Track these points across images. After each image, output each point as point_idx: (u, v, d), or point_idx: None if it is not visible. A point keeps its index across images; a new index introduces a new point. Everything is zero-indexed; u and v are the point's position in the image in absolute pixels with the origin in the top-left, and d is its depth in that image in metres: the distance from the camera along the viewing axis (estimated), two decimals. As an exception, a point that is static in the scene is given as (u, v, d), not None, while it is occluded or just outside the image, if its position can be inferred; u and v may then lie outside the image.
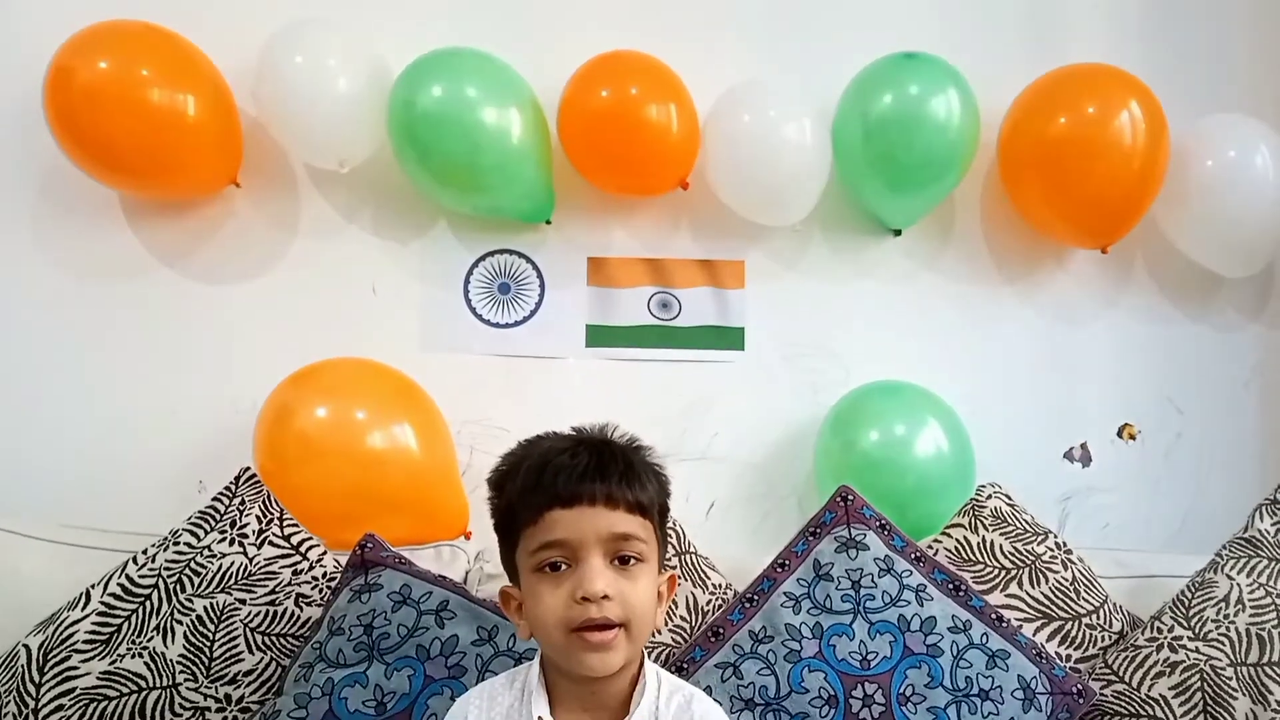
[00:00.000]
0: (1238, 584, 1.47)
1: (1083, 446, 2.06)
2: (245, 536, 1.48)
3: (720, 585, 1.53)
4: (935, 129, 1.85)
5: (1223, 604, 1.45)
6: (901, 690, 1.32)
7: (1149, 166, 1.86)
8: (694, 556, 1.56)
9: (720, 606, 1.49)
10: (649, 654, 1.38)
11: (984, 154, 1.96)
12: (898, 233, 2.04)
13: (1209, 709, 1.36)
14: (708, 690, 1.28)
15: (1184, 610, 1.46)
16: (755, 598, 1.44)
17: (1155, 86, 1.87)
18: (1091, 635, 1.48)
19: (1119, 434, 2.07)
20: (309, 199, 2.00)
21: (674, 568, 1.52)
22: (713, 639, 1.40)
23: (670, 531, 1.54)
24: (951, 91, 1.86)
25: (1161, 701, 1.38)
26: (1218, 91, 2.07)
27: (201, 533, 1.48)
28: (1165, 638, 1.43)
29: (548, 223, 1.99)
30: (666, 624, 1.48)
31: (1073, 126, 1.86)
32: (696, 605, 1.50)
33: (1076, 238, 1.98)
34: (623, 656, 1.00)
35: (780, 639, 1.37)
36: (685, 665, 1.37)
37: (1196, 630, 1.43)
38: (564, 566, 1.00)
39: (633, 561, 1.01)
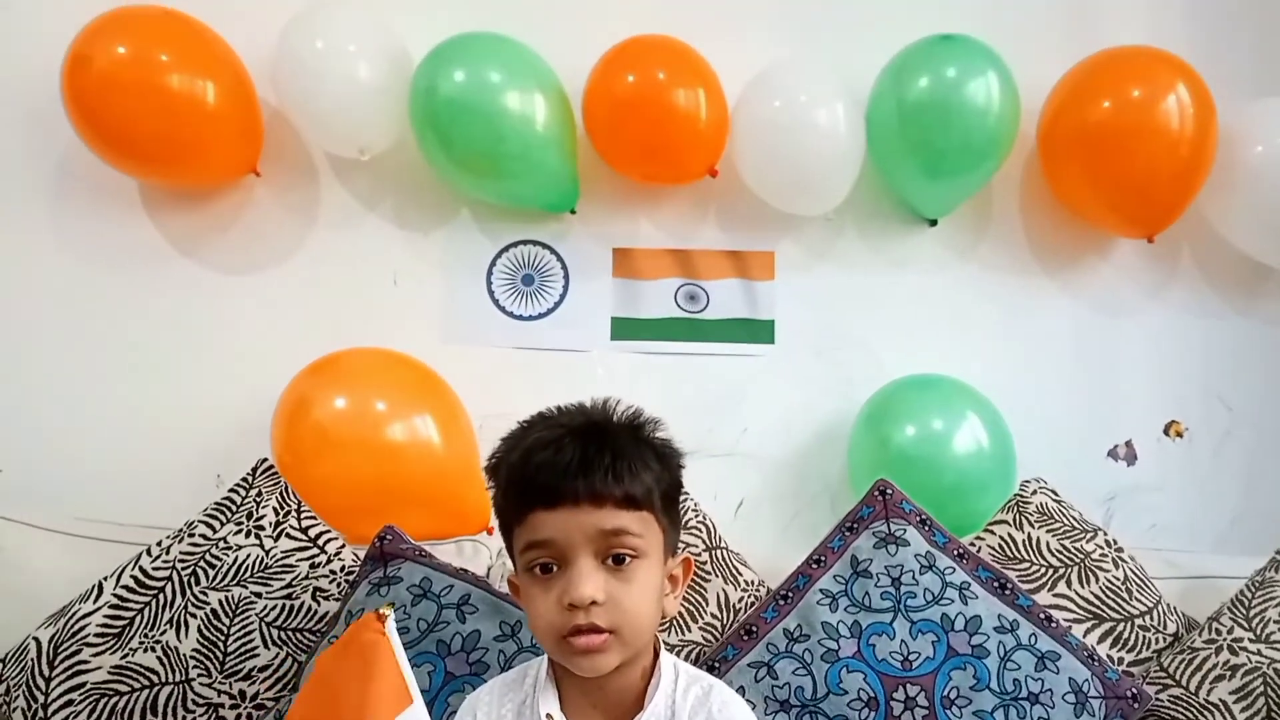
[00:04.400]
0: (1301, 583, 1.39)
1: (1127, 444, 1.98)
2: (262, 529, 1.44)
3: (752, 582, 1.47)
4: (974, 113, 1.79)
5: (1286, 604, 1.37)
6: (946, 692, 1.26)
7: (1197, 152, 1.79)
8: (725, 552, 1.50)
9: (753, 604, 1.43)
10: (678, 651, 1.33)
11: (1023, 140, 1.90)
12: (933, 222, 1.98)
13: (1273, 714, 1.28)
14: (740, 690, 1.23)
15: (1244, 611, 1.38)
16: (790, 595, 1.37)
17: (1202, 69, 1.81)
18: (1145, 637, 1.41)
19: (1165, 431, 1.99)
20: (329, 188, 1.96)
21: (697, 553, 1.46)
22: (745, 637, 1.34)
23: (700, 525, 1.50)
24: (990, 74, 1.80)
25: (1221, 707, 1.30)
26: (1267, 74, 1.99)
27: (217, 524, 1.44)
28: (1225, 640, 1.35)
29: (572, 212, 1.94)
30: (697, 620, 1.41)
31: (1117, 111, 1.79)
32: (728, 602, 1.44)
33: (1121, 227, 1.91)
34: (616, 658, 0.94)
35: (817, 638, 1.31)
36: (717, 664, 1.31)
37: (1258, 632, 1.35)
38: (554, 568, 0.93)
39: (627, 560, 0.94)
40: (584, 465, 0.92)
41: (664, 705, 0.99)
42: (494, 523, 1.72)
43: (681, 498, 1.04)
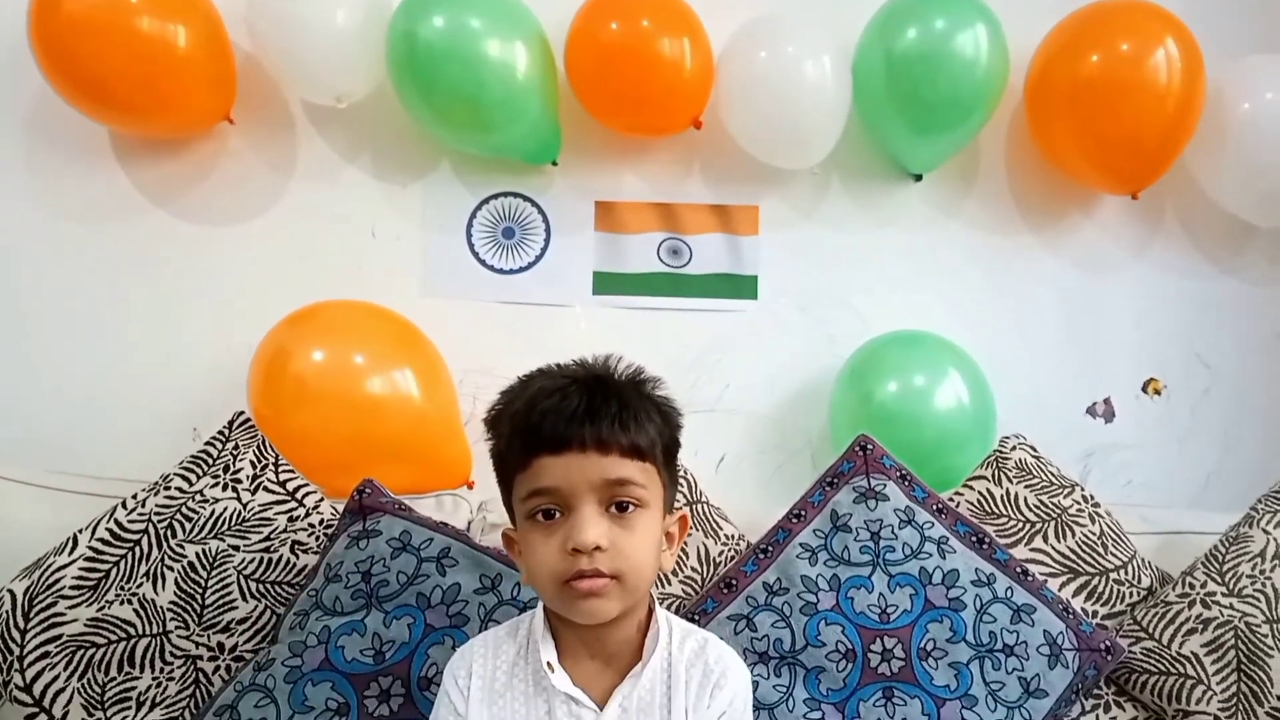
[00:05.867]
0: (1275, 539, 1.41)
1: (1106, 401, 1.99)
2: (239, 482, 1.43)
3: (733, 536, 1.48)
4: (962, 66, 1.76)
5: (1259, 559, 1.39)
6: (922, 644, 1.27)
7: (1184, 108, 1.77)
8: (705, 506, 1.51)
9: (733, 558, 1.44)
10: (660, 603, 1.34)
11: (1011, 94, 1.87)
12: (919, 178, 1.96)
13: (1243, 667, 1.30)
14: (720, 642, 1.23)
15: (1218, 565, 1.40)
16: (770, 549, 1.38)
17: (1192, 24, 1.78)
18: (1119, 591, 1.42)
19: (1144, 389, 2.00)
20: (306, 137, 1.92)
21: (678, 507, 1.45)
22: (725, 590, 1.35)
23: (681, 480, 1.49)
24: (980, 27, 1.77)
25: (1193, 659, 1.32)
26: (1257, 30, 1.97)
27: (194, 477, 1.43)
28: (1198, 594, 1.37)
29: (554, 164, 1.91)
30: (677, 574, 1.42)
31: (1105, 65, 1.77)
32: (708, 556, 1.45)
33: (1106, 183, 1.89)
34: (618, 605, 0.95)
35: (796, 591, 1.32)
36: (697, 616, 1.32)
37: (1231, 586, 1.37)
38: (557, 514, 0.94)
39: (630, 508, 0.94)
40: (590, 413, 0.93)
41: (661, 657, 1.00)
42: (475, 477, 1.74)
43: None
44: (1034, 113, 1.89)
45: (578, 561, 0.92)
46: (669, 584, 1.41)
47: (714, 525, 1.49)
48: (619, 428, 0.94)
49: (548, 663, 0.98)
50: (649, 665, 0.99)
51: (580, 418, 0.93)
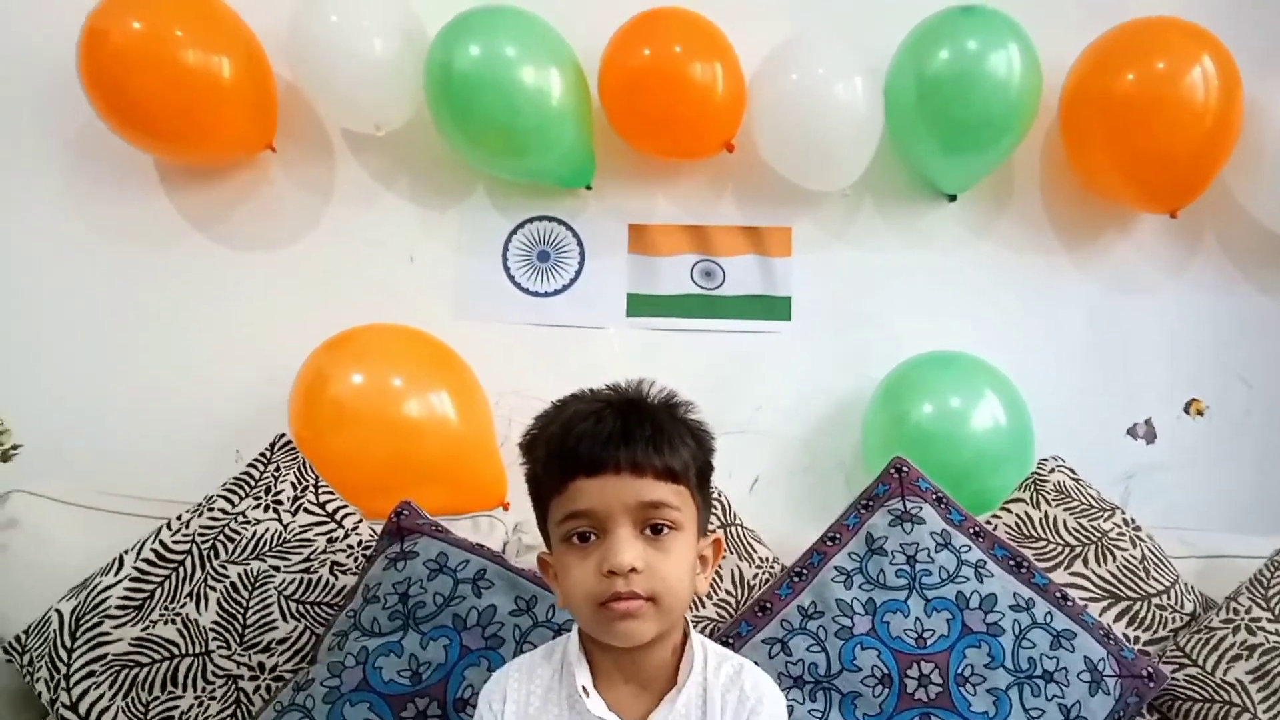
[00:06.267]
0: (1322, 563, 1.38)
1: (1147, 422, 1.96)
2: (280, 503, 1.45)
3: (767, 559, 1.47)
4: (994, 86, 1.76)
5: (1306, 584, 1.36)
6: (960, 670, 1.26)
7: (1221, 126, 1.76)
8: (739, 529, 1.51)
9: (767, 581, 1.43)
10: (694, 626, 1.34)
11: (1044, 114, 1.87)
12: (952, 198, 1.95)
13: (1291, 695, 1.28)
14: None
15: (1262, 590, 1.37)
16: (804, 572, 1.37)
17: (1228, 41, 1.77)
18: (1161, 616, 1.40)
19: (1186, 410, 1.97)
20: (344, 164, 1.96)
21: (712, 529, 1.45)
22: (760, 614, 1.34)
23: (715, 502, 1.49)
24: (1012, 47, 1.77)
25: (1239, 686, 1.29)
26: (1295, 47, 1.96)
27: (236, 499, 1.45)
28: (1242, 619, 1.35)
29: (588, 188, 1.93)
30: (711, 597, 1.42)
31: (1140, 83, 1.76)
32: (742, 579, 1.45)
33: (1143, 202, 1.88)
34: (654, 627, 0.95)
35: (831, 615, 1.31)
36: (731, 640, 1.32)
37: (1277, 612, 1.34)
38: (592, 537, 0.94)
39: (665, 530, 0.95)
40: (625, 435, 0.94)
41: (697, 682, 1.00)
42: (510, 498, 1.75)
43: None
44: (1069, 132, 1.88)
45: (614, 583, 0.92)
46: (703, 607, 1.41)
47: (748, 548, 1.48)
48: (653, 450, 0.94)
49: (583, 687, 0.99)
50: (684, 690, 0.98)
51: (615, 440, 0.94)
